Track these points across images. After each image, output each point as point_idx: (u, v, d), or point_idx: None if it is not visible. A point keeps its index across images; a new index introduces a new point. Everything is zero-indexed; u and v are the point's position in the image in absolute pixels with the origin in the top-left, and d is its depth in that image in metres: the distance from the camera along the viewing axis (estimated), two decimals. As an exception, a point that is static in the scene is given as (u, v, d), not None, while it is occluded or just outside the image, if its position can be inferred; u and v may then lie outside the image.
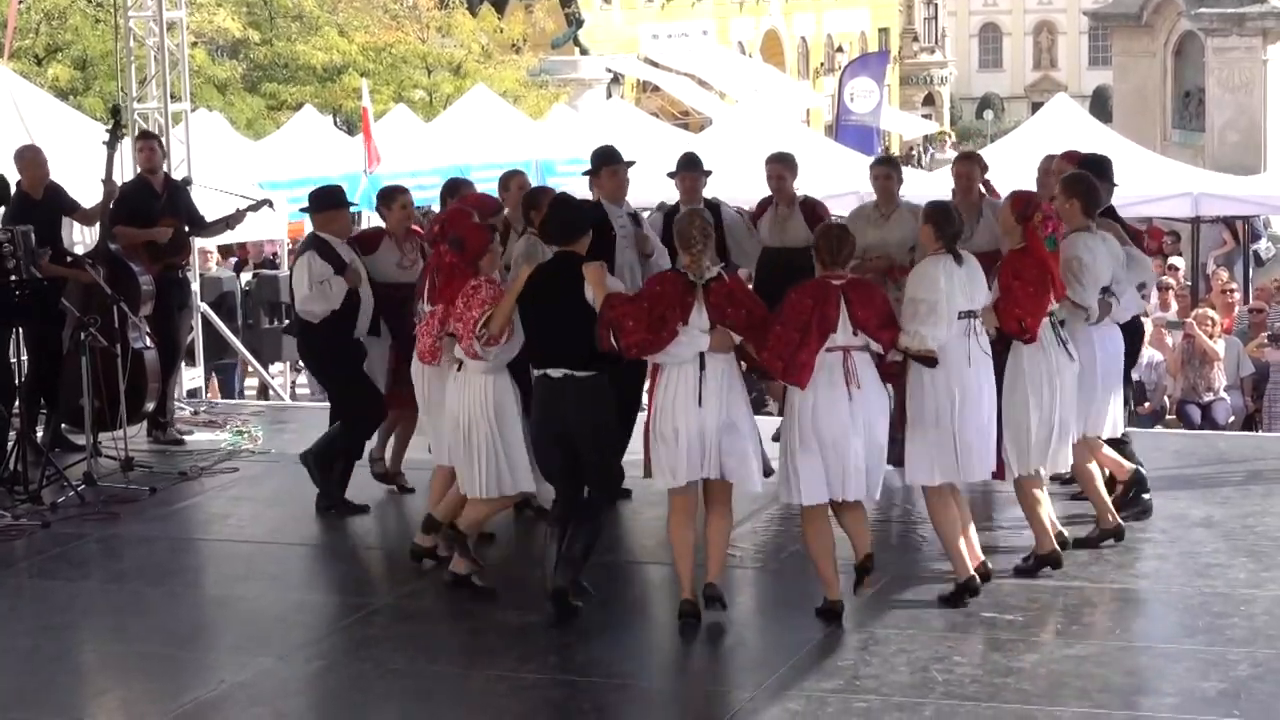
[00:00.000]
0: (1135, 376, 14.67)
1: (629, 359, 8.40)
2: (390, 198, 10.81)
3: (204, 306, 15.90)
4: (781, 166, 11.32)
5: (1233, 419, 16.15)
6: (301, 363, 15.25)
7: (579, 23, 43.60)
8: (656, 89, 47.21)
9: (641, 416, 9.30)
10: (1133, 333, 10.01)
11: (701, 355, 8.22)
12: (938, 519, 8.72)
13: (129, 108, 14.84)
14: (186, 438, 12.94)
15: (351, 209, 11.30)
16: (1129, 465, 9.87)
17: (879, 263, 10.41)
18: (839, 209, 14.52)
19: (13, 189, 12.18)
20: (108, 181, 12.38)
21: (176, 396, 13.64)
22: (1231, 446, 12.41)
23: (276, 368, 18.77)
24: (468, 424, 8.79)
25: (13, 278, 11.15)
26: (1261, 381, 16.23)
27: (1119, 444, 9.83)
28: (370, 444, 10.95)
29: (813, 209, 11.25)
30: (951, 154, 43.58)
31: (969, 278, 8.56)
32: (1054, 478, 9.59)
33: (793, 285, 8.48)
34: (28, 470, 11.11)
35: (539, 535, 9.30)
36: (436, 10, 37.49)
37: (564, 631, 8.45)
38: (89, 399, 11.38)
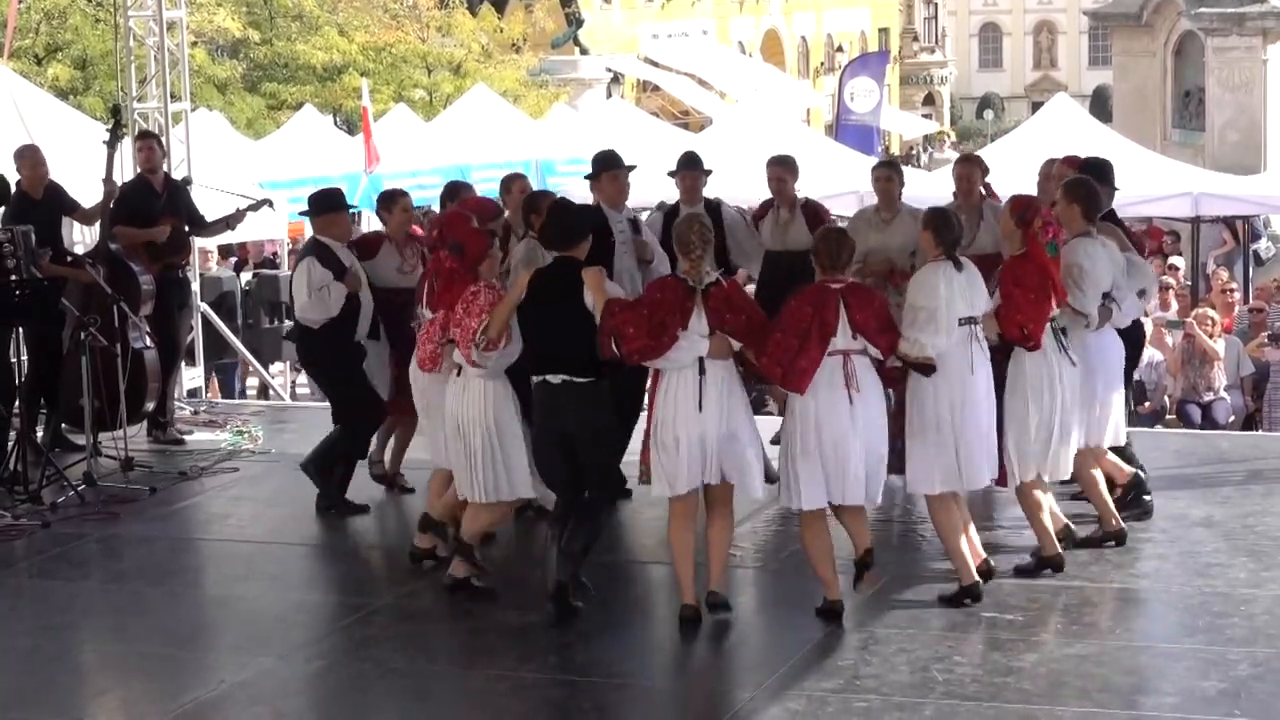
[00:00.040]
0: (1135, 376, 14.67)
1: (630, 365, 8.41)
2: (391, 201, 10.81)
3: (204, 306, 15.90)
4: (782, 169, 11.31)
5: (1233, 418, 16.15)
6: (301, 367, 15.25)
7: (579, 22, 43.60)
8: (656, 89, 47.22)
9: (641, 418, 9.29)
10: (1133, 337, 10.01)
11: (701, 360, 8.22)
12: (940, 524, 8.73)
13: (129, 107, 14.83)
14: (186, 438, 12.94)
15: (351, 209, 11.29)
16: (1128, 469, 9.87)
17: (880, 267, 10.41)
18: (839, 209, 14.54)
19: (12, 189, 12.18)
20: (108, 181, 12.38)
21: (176, 396, 13.64)
22: (1232, 446, 12.41)
23: (276, 368, 18.76)
24: (466, 429, 8.78)
25: (13, 278, 11.14)
26: (1261, 381, 16.23)
27: (1120, 447, 9.81)
28: (370, 446, 10.94)
29: (814, 212, 11.24)
30: (951, 154, 43.67)
31: (969, 284, 8.56)
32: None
33: (795, 288, 8.49)
34: (28, 470, 11.11)
35: (539, 535, 9.30)
36: (436, 10, 37.49)
37: (564, 631, 8.45)
38: (89, 399, 11.38)
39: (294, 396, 17.98)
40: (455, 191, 10.79)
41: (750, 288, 12.15)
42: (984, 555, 8.83)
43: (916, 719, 7.37)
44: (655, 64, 47.53)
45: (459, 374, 8.85)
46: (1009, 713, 7.40)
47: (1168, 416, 16.44)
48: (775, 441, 9.17)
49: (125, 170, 13.53)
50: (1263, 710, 7.38)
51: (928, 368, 8.42)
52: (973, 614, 8.53)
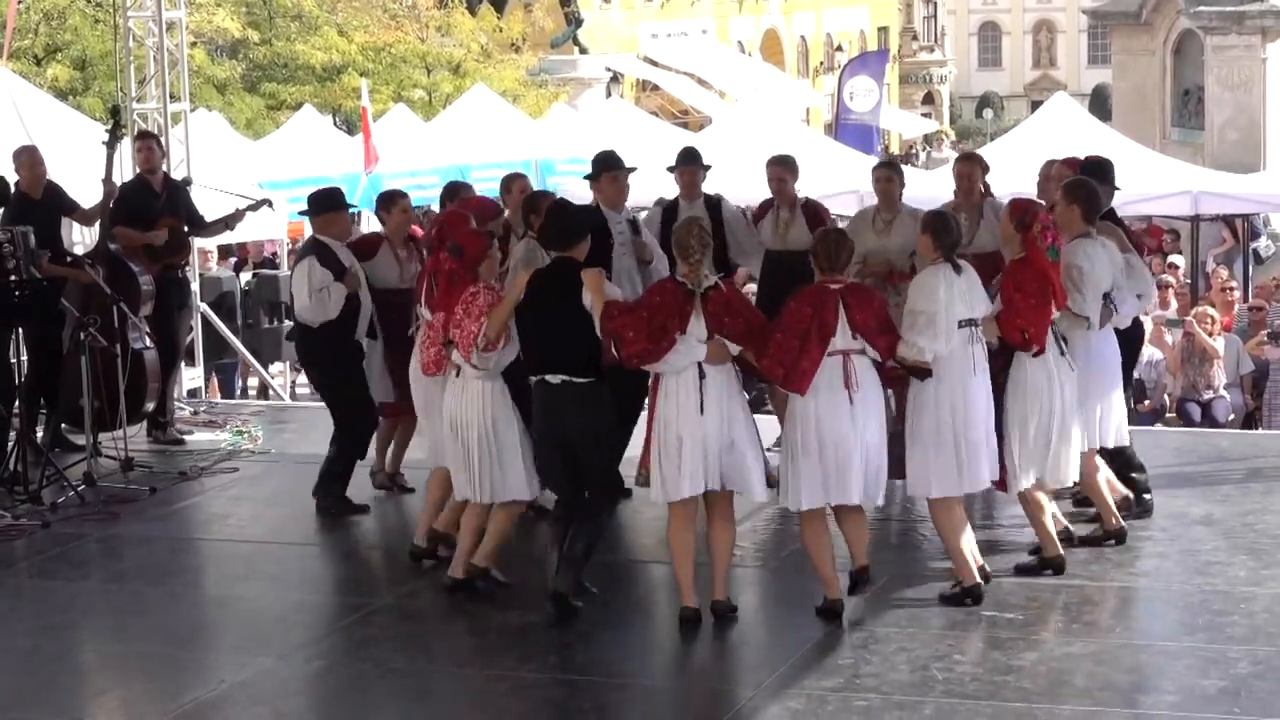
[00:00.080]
0: (1135, 375, 14.66)
1: (630, 369, 8.42)
2: (390, 202, 10.80)
3: (204, 306, 15.90)
4: (782, 169, 11.30)
5: (1232, 417, 16.14)
6: (300, 367, 15.25)
7: (578, 22, 43.60)
8: (656, 88, 47.20)
9: (642, 418, 9.28)
10: (1132, 337, 10.01)
11: (700, 363, 8.23)
12: (942, 524, 8.73)
13: (128, 108, 14.83)
14: (186, 437, 12.94)
15: (351, 209, 11.29)
16: (1122, 489, 9.83)
17: (879, 268, 10.41)
18: (838, 208, 14.53)
19: (12, 189, 12.18)
20: (107, 181, 12.38)
21: (176, 396, 13.64)
22: (1231, 444, 12.42)
23: (276, 367, 18.76)
24: (464, 430, 8.79)
25: (13, 278, 11.15)
26: (1261, 379, 16.22)
27: (1121, 447, 9.80)
28: (370, 451, 10.92)
29: (815, 212, 11.23)
30: (950, 153, 43.64)
31: (968, 286, 8.57)
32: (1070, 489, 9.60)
33: (795, 288, 8.49)
34: (28, 470, 11.11)
35: (539, 535, 9.30)
36: (436, 10, 37.48)
37: (564, 631, 8.45)
38: (89, 399, 11.38)
39: (294, 396, 17.98)
40: (455, 191, 10.79)
41: (750, 287, 12.17)
42: (981, 561, 8.83)
43: (916, 718, 7.37)
44: (655, 63, 47.51)
45: (458, 375, 8.85)
46: (1009, 711, 7.40)
47: (1167, 415, 16.44)
48: (777, 444, 9.17)
49: (125, 170, 13.53)
50: (1263, 708, 7.38)
51: (924, 372, 8.43)
52: (973, 613, 8.53)
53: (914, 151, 54.02)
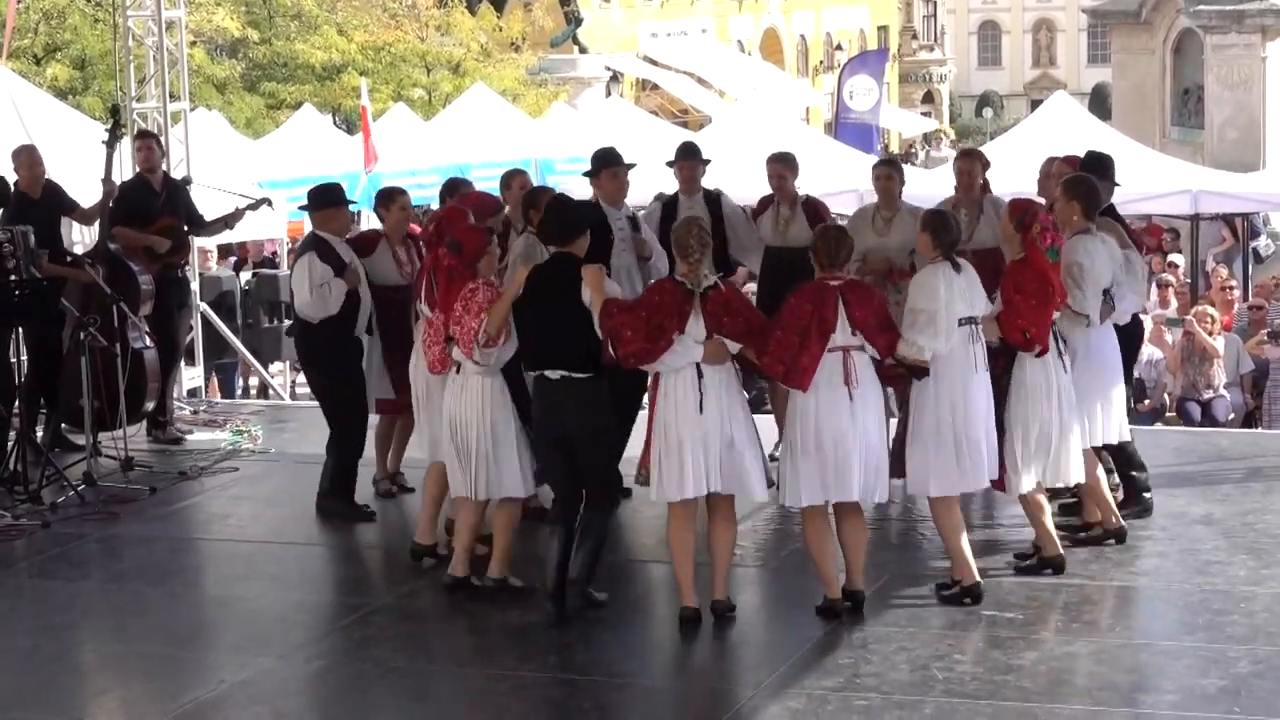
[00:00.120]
0: (1135, 374, 14.67)
1: (627, 368, 8.42)
2: (389, 199, 10.78)
3: (203, 306, 15.90)
4: (782, 166, 11.30)
5: (1232, 416, 16.14)
6: (299, 363, 15.24)
7: (578, 21, 43.62)
8: (656, 87, 47.20)
9: (642, 417, 9.28)
10: (1132, 333, 10.01)
11: (698, 363, 8.23)
12: (942, 523, 8.72)
13: (128, 107, 14.83)
14: (187, 437, 12.93)
15: (351, 207, 11.28)
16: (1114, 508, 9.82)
17: (879, 266, 10.41)
18: (838, 207, 14.51)
19: (11, 189, 12.18)
20: (107, 181, 12.38)
21: (176, 396, 13.63)
22: (1231, 444, 12.41)
23: (276, 367, 18.76)
24: (464, 426, 8.79)
25: (12, 278, 11.14)
26: (1261, 378, 16.22)
27: (1121, 445, 9.80)
28: (371, 456, 10.92)
29: (815, 209, 11.23)
30: (948, 152, 43.64)
31: (968, 285, 8.58)
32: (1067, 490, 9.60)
33: (795, 285, 8.50)
34: (28, 470, 11.11)
35: (539, 535, 9.30)
36: (435, 9, 37.48)
37: (564, 630, 8.45)
38: (89, 399, 11.37)
39: (294, 396, 17.98)
40: (455, 187, 10.77)
41: (750, 286, 12.17)
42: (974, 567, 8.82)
43: (916, 717, 7.37)
44: (654, 63, 47.52)
45: (458, 371, 8.85)
46: (1009, 711, 7.40)
47: (1167, 414, 16.44)
48: (776, 449, 9.16)
49: (124, 170, 13.53)
50: (1263, 707, 7.38)
51: (922, 370, 8.43)
52: (972, 612, 8.53)
53: (913, 151, 54.02)
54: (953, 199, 10.67)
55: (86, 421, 11.45)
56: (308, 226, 10.96)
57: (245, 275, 19.49)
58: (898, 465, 8.73)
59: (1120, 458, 9.90)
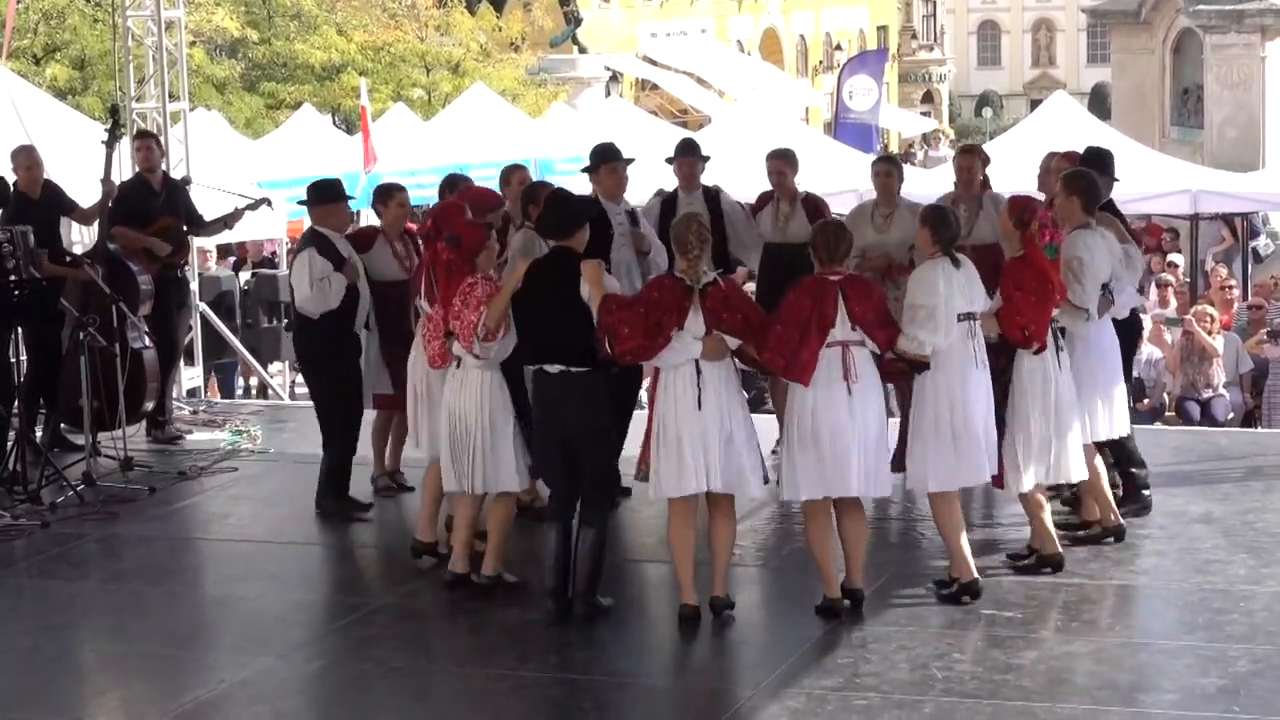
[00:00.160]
0: (1135, 373, 14.67)
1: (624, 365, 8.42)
2: (387, 195, 10.77)
3: (203, 306, 15.90)
4: (782, 163, 11.31)
5: (1232, 415, 16.14)
6: (296, 358, 15.25)
7: (577, 21, 43.61)
8: (655, 87, 47.18)
9: (640, 416, 9.28)
10: (1130, 328, 10.02)
11: (696, 359, 8.23)
12: (941, 519, 8.72)
13: (127, 107, 14.83)
14: (186, 436, 12.93)
15: (349, 199, 11.26)
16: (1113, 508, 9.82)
17: (877, 262, 10.41)
18: (838, 207, 14.45)
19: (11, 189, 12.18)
20: (106, 181, 12.37)
21: (175, 396, 13.63)
22: (1231, 443, 12.41)
23: (275, 367, 18.76)
24: (463, 420, 8.80)
25: (12, 278, 11.14)
26: (1260, 378, 16.22)
27: (1120, 442, 9.80)
28: (368, 454, 10.91)
29: (815, 205, 11.23)
30: (947, 152, 43.59)
31: (967, 280, 8.58)
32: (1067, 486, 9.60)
33: (795, 281, 8.50)
34: (27, 470, 11.10)
35: (539, 535, 9.29)
36: (435, 9, 37.49)
37: (564, 630, 8.45)
38: (88, 399, 11.37)
39: (293, 396, 17.98)
40: (454, 183, 10.76)
41: (750, 286, 12.15)
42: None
43: (916, 717, 7.37)
44: (654, 63, 47.50)
45: (458, 366, 8.86)
46: (1008, 710, 7.40)
47: (1167, 413, 16.44)
48: (776, 448, 9.16)
49: (124, 170, 13.52)
50: (1262, 706, 7.38)
51: (923, 365, 8.43)
52: (972, 611, 8.53)
53: (911, 150, 53.99)
54: (952, 195, 10.69)
55: (86, 421, 11.44)
56: (307, 225, 10.95)
57: (245, 275, 19.48)
58: (899, 462, 8.73)
59: (1120, 454, 9.90)
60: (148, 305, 12.31)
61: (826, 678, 7.77)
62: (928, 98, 68.29)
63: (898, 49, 64.96)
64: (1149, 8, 27.72)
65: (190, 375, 15.32)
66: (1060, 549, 9.05)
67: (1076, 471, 9.02)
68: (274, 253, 21.38)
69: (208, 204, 13.84)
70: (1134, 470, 10.01)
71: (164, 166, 13.50)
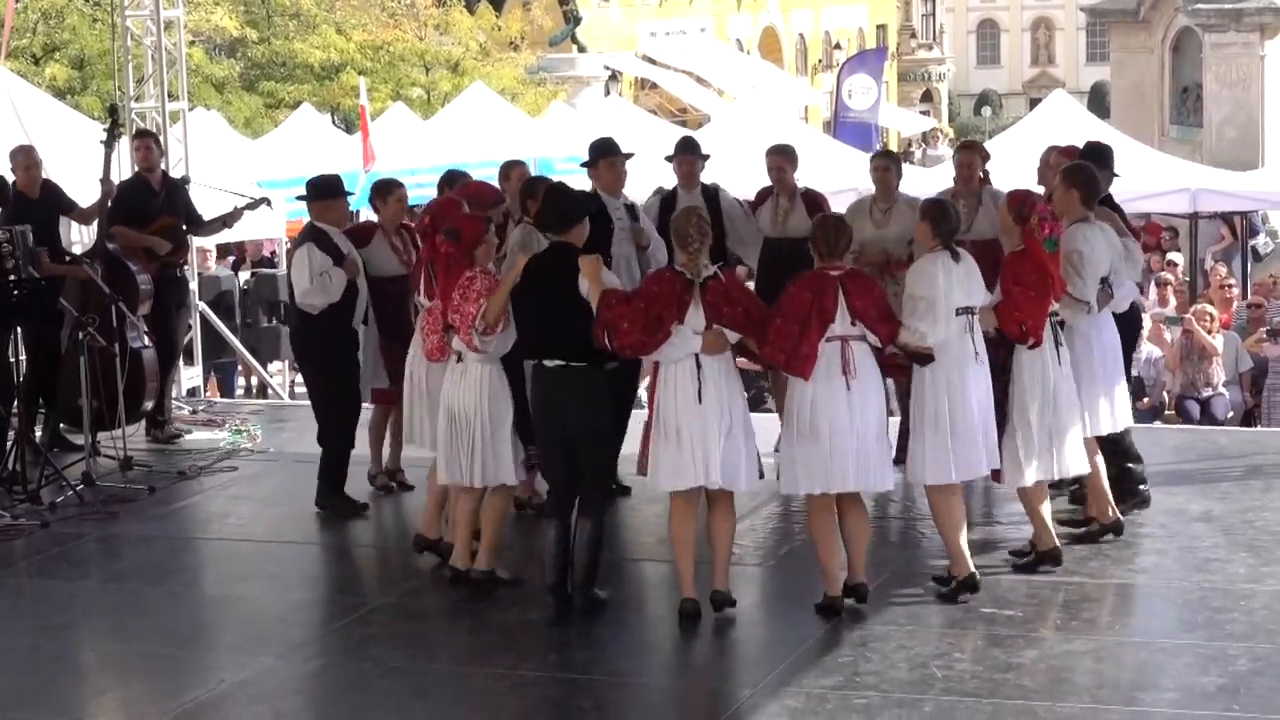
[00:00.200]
0: (1134, 372, 14.67)
1: (624, 359, 8.42)
2: (386, 190, 10.78)
3: (202, 305, 15.89)
4: (782, 158, 11.32)
5: (1231, 414, 16.14)
6: (294, 354, 15.24)
7: (577, 20, 43.61)
8: (654, 86, 47.17)
9: (640, 414, 9.28)
10: (1130, 322, 10.02)
11: (696, 354, 8.23)
12: (940, 515, 8.72)
13: (126, 107, 14.82)
14: (186, 436, 12.93)
15: (349, 195, 11.24)
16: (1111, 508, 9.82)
17: (876, 257, 10.42)
18: (838, 205, 14.44)
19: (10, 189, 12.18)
20: (105, 181, 12.38)
21: (175, 395, 13.63)
22: (1230, 441, 12.41)
23: (275, 366, 18.76)
24: (462, 414, 8.80)
25: (11, 277, 11.14)
26: (1260, 376, 16.23)
27: (1118, 438, 9.79)
28: (365, 452, 10.90)
29: (814, 201, 11.24)
30: (945, 150, 43.57)
31: (966, 274, 8.58)
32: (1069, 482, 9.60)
33: (794, 276, 8.50)
34: (26, 470, 11.10)
35: (539, 534, 9.29)
36: (434, 8, 37.48)
37: (563, 629, 8.45)
38: (87, 398, 11.37)
39: (293, 395, 17.97)
40: (454, 179, 10.76)
41: (749, 284, 12.16)
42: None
43: (916, 716, 7.37)
44: (653, 61, 47.48)
45: (458, 360, 8.86)
46: (1008, 709, 7.40)
47: (1166, 412, 16.44)
48: (777, 449, 9.16)
49: (123, 170, 13.52)
50: (1262, 705, 7.38)
51: (926, 357, 8.43)
52: (972, 610, 8.53)
53: (910, 149, 53.98)
54: (952, 190, 10.69)
55: (85, 421, 11.44)
56: (306, 223, 10.95)
57: (244, 275, 19.49)
58: (901, 457, 8.72)
59: (1116, 449, 9.88)
60: (147, 305, 12.31)
61: (826, 677, 7.77)
62: (927, 96, 68.27)
63: (897, 48, 64.95)
64: (1148, 6, 27.71)
65: (190, 375, 15.32)
66: (1058, 544, 9.05)
67: (1077, 465, 9.02)
68: (273, 252, 21.38)
69: (207, 203, 13.84)
70: (1130, 465, 10.00)
71: (163, 166, 13.49)
